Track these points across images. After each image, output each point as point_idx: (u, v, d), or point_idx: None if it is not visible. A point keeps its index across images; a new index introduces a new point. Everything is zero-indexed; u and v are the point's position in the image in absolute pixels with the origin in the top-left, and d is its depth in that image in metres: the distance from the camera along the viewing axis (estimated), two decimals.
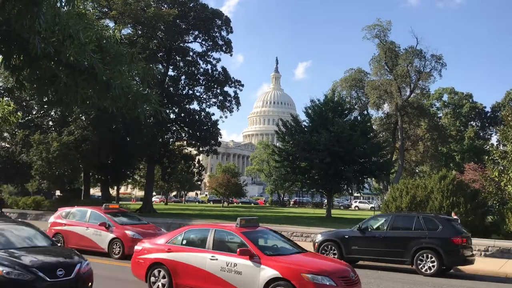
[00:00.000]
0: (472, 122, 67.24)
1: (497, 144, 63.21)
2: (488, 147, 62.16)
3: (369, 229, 15.81)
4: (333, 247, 15.76)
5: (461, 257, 14.11)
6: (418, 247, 14.36)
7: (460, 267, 15.44)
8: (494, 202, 23.90)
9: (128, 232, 15.96)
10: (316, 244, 16.29)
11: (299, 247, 10.31)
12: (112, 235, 16.11)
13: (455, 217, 19.43)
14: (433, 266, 14.04)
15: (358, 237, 15.59)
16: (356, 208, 75.78)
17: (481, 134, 66.88)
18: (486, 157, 28.24)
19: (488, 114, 67.02)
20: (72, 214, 17.87)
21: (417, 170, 64.90)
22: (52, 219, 18.42)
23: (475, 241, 19.13)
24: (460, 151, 62.45)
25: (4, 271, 7.79)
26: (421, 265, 14.24)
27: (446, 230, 14.48)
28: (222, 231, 10.28)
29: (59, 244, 15.72)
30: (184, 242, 10.36)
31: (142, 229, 16.60)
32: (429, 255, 14.13)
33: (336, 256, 14.97)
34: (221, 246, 9.81)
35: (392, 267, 15.31)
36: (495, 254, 18.28)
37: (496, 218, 22.46)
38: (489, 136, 67.97)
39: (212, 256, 9.52)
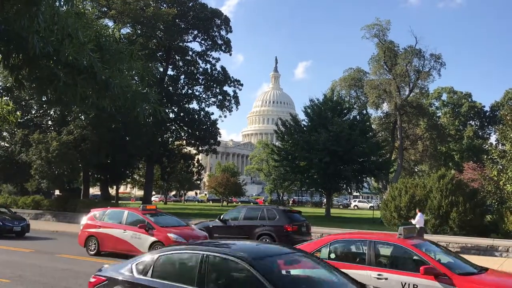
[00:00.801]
0: (471, 122, 67.29)
1: (496, 144, 63.03)
2: (487, 146, 61.99)
3: (228, 220, 19.06)
4: None
5: (291, 241, 15.61)
6: (260, 233, 17.63)
7: None
8: (493, 201, 23.93)
9: (171, 235, 14.78)
10: None
11: (471, 263, 8.41)
12: (153, 238, 14.92)
13: (418, 216, 19.98)
14: None
15: (219, 226, 18.94)
16: (356, 208, 75.80)
17: (480, 133, 66.92)
18: (485, 157, 28.31)
19: (487, 114, 67.05)
20: (107, 216, 16.74)
21: (416, 170, 64.95)
22: (84, 220, 17.21)
23: (473, 240, 19.22)
24: (459, 150, 62.49)
25: None
26: None
27: (281, 219, 17.72)
28: (383, 243, 8.45)
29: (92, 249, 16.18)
30: (332, 256, 8.43)
31: (185, 232, 15.49)
32: (267, 239, 17.20)
33: None
34: (385, 261, 8.15)
35: None
36: (493, 253, 18.32)
37: (495, 217, 22.49)
38: (488, 136, 67.99)
39: (379, 275, 7.72)
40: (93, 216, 17.03)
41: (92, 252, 16.08)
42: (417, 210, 21.14)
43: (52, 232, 25.24)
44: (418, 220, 19.89)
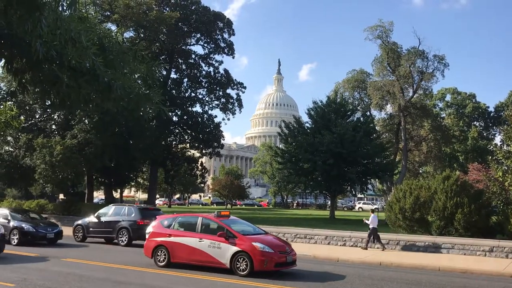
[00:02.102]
0: (475, 122, 67.03)
1: (501, 144, 62.90)
2: (491, 147, 61.82)
3: (101, 216, 22.56)
4: (80, 229, 22.80)
5: (142, 234, 18.53)
6: (119, 227, 21.54)
7: None
8: (498, 202, 23.76)
9: (257, 245, 13.32)
10: (72, 227, 23.46)
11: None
12: (235, 248, 13.42)
13: (371, 217, 20.78)
14: (126, 239, 21.30)
15: (94, 222, 22.52)
16: (360, 210, 75.60)
17: (484, 134, 66.65)
18: (490, 157, 28.11)
19: (492, 114, 66.79)
20: (177, 223, 15.28)
21: (420, 171, 64.71)
22: (150, 228, 15.67)
23: (478, 241, 19.11)
24: (463, 151, 62.25)
25: None
26: (120, 239, 21.52)
27: (136, 216, 21.48)
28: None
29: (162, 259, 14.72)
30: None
31: (270, 240, 14.23)
32: (124, 232, 21.33)
33: (81, 235, 22.58)
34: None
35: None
36: (499, 255, 18.21)
37: (501, 218, 22.34)
38: (492, 136, 67.74)
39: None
40: (161, 223, 15.57)
41: (161, 264, 14.54)
42: (370, 212, 22.82)
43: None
44: (371, 220, 20.76)
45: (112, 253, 18.85)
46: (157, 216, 16.79)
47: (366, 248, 20.28)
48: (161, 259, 14.60)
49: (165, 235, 14.82)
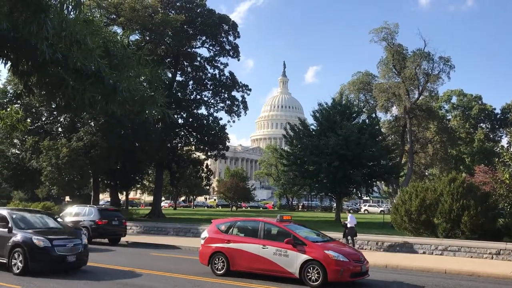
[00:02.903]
0: (481, 124, 66.63)
1: (507, 146, 62.74)
2: (498, 149, 61.56)
3: (65, 216, 23.78)
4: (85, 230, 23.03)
5: (102, 232, 23.12)
6: (82, 225, 22.93)
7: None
8: (505, 204, 23.60)
9: (331, 253, 12.24)
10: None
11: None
12: (305, 256, 12.30)
13: (349, 217, 21.89)
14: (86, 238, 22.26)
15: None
16: (366, 212, 75.36)
17: (491, 136, 66.24)
18: (497, 159, 27.96)
19: (498, 116, 66.37)
20: (236, 228, 14.20)
21: (426, 173, 64.42)
22: (205, 233, 14.64)
23: (485, 244, 18.99)
24: (470, 153, 61.91)
25: None
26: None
27: (96, 216, 23.34)
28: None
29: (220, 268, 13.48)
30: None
31: (343, 248, 13.21)
32: (83, 230, 21.68)
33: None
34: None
35: None
36: (507, 257, 18.08)
37: (507, 221, 22.21)
38: (499, 138, 67.31)
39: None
40: (217, 228, 14.48)
41: (220, 272, 13.50)
42: (346, 212, 24.40)
43: None
44: (349, 220, 21.70)
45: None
46: (212, 221, 15.61)
47: None
48: (220, 267, 13.60)
49: (223, 241, 13.78)
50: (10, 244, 12.93)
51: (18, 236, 12.99)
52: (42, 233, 13.35)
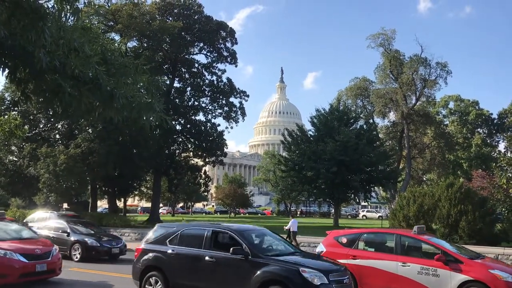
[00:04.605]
0: (479, 129, 66.86)
1: (504, 151, 62.94)
2: (495, 154, 61.76)
3: (28, 222, 23.20)
4: None
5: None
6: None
7: None
8: (503, 209, 23.66)
9: (498, 273, 10.00)
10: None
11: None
12: (463, 277, 10.05)
13: (290, 222, 22.32)
14: None
15: None
16: (364, 217, 75.31)
17: (488, 141, 66.46)
18: (494, 164, 28.05)
19: (495, 121, 66.64)
20: (363, 241, 12.18)
21: (424, 178, 64.54)
22: (321, 247, 12.56)
23: (483, 249, 18.99)
24: (467, 158, 62.07)
25: None
26: None
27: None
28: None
29: None
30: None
31: (507, 267, 10.92)
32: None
33: None
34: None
35: None
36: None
37: (505, 226, 22.23)
38: (496, 143, 67.57)
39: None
40: (337, 241, 12.40)
41: None
42: (290, 216, 25.44)
43: None
44: (291, 225, 22.02)
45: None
46: (328, 232, 13.45)
47: None
48: None
49: (348, 257, 11.59)
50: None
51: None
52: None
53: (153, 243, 11.18)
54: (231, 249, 9.53)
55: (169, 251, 10.60)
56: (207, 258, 9.93)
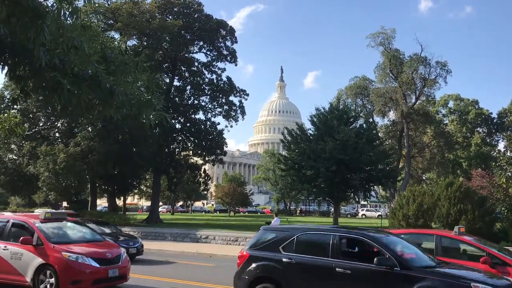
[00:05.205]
0: (478, 129, 66.84)
1: (504, 150, 62.92)
2: (495, 153, 61.79)
3: None
4: None
5: None
6: None
7: None
8: (502, 208, 23.69)
9: None
10: None
11: None
12: None
13: (274, 221, 23.24)
14: None
15: None
16: (363, 216, 75.43)
17: (488, 140, 66.45)
18: (494, 164, 28.09)
19: (495, 120, 66.62)
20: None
21: (424, 177, 64.55)
22: None
23: None
24: (467, 157, 62.06)
25: None
26: None
27: None
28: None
29: None
30: None
31: None
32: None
33: None
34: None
35: None
36: None
37: (505, 225, 22.26)
38: (496, 143, 67.52)
39: None
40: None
41: None
42: (274, 215, 25.77)
43: None
44: (273, 223, 22.42)
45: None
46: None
47: None
48: None
49: None
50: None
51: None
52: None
53: (262, 249, 9.39)
54: (376, 259, 7.95)
55: (285, 259, 8.87)
56: (338, 269, 8.25)
